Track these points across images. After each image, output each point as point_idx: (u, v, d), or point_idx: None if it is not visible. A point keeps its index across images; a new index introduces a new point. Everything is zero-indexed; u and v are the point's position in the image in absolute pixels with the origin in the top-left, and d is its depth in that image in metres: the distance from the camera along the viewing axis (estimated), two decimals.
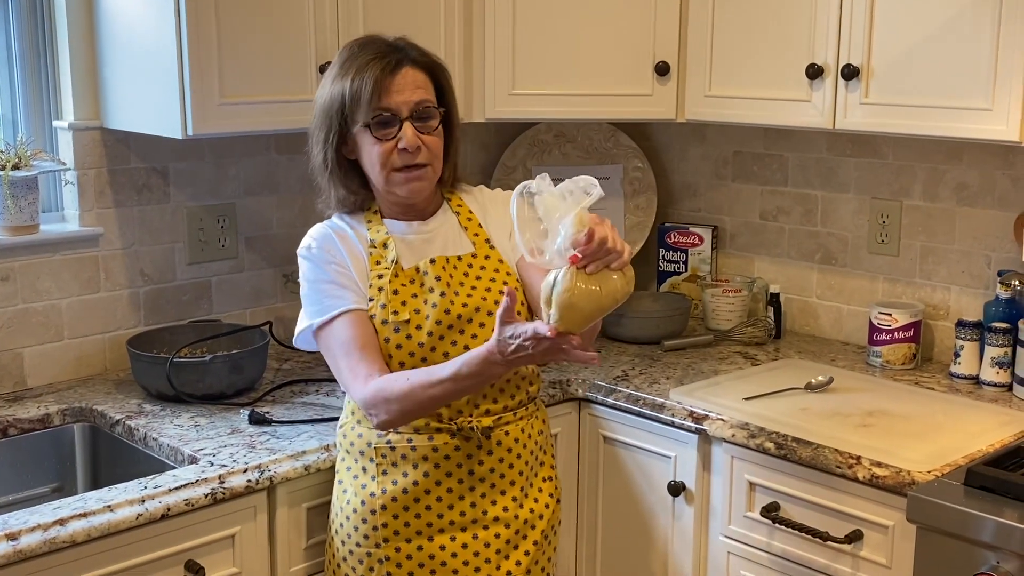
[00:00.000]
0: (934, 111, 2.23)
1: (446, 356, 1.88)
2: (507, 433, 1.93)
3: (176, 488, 1.91)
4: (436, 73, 1.94)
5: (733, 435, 2.22)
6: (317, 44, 2.38)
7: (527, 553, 1.96)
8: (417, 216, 1.99)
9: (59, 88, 2.52)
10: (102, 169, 2.52)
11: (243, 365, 2.38)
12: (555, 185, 1.69)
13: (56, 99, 2.53)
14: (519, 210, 1.68)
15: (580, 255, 1.62)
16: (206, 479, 1.95)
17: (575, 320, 1.68)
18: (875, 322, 2.62)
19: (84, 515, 1.80)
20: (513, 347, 1.68)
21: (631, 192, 3.11)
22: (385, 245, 1.94)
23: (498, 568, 1.93)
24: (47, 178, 2.53)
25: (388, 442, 1.90)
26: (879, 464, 2.02)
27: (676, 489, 2.34)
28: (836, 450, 2.08)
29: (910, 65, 2.26)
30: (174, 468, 2.06)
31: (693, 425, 2.29)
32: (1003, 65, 2.13)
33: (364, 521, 1.91)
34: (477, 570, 1.92)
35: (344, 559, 1.94)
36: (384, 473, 1.91)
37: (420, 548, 1.90)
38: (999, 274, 2.51)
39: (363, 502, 1.91)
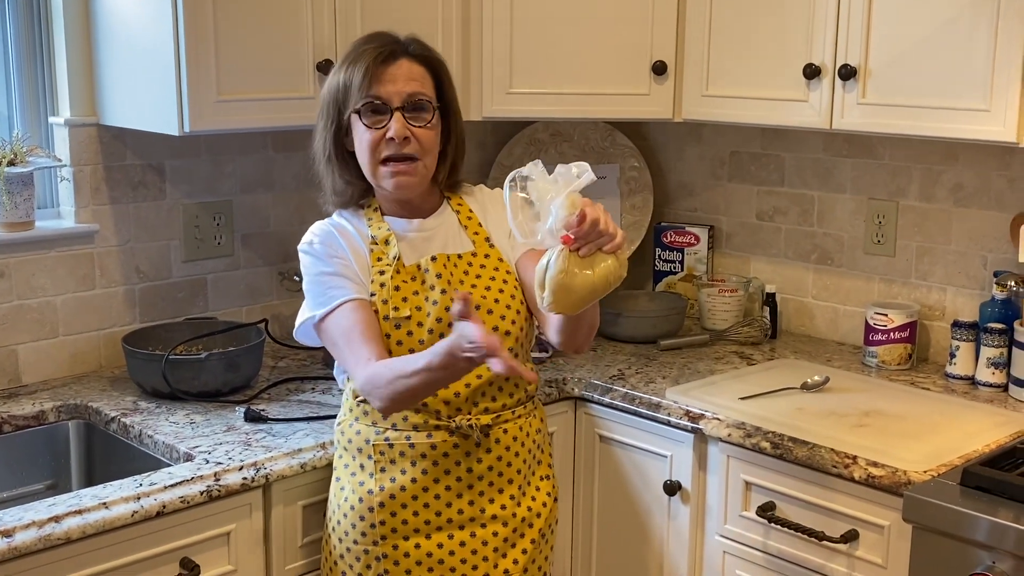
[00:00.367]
0: (931, 112, 2.24)
1: None
2: (505, 431, 1.93)
3: (171, 485, 1.91)
4: (436, 68, 1.93)
5: (729, 434, 2.22)
6: (314, 42, 2.38)
7: (524, 551, 1.96)
8: (416, 214, 1.99)
9: (55, 84, 2.51)
10: (98, 166, 2.52)
11: (239, 363, 2.38)
12: (547, 170, 1.69)
13: (52, 95, 2.52)
14: (512, 196, 1.68)
15: (572, 236, 1.63)
16: (201, 476, 1.95)
17: (568, 302, 1.69)
18: (871, 322, 2.62)
19: (79, 512, 1.80)
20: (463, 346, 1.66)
21: (627, 191, 3.11)
22: (387, 242, 1.94)
23: (495, 566, 1.93)
24: (43, 174, 2.52)
25: (386, 439, 1.90)
26: (875, 464, 2.02)
27: (672, 488, 2.34)
28: (832, 450, 2.08)
29: (907, 65, 2.26)
30: (169, 466, 2.05)
31: (689, 424, 2.29)
32: (1000, 66, 2.13)
33: (361, 518, 1.91)
34: (475, 568, 1.92)
35: (341, 556, 1.94)
36: (382, 470, 1.90)
37: (418, 546, 1.90)
38: (995, 275, 2.51)
39: (361, 499, 1.91)
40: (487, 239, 2.00)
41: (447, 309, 1.88)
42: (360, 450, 1.93)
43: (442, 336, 1.87)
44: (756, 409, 2.29)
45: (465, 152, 2.02)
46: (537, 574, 2.00)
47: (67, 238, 2.48)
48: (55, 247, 2.47)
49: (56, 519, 1.77)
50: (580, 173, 1.66)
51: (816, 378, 2.43)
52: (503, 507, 1.93)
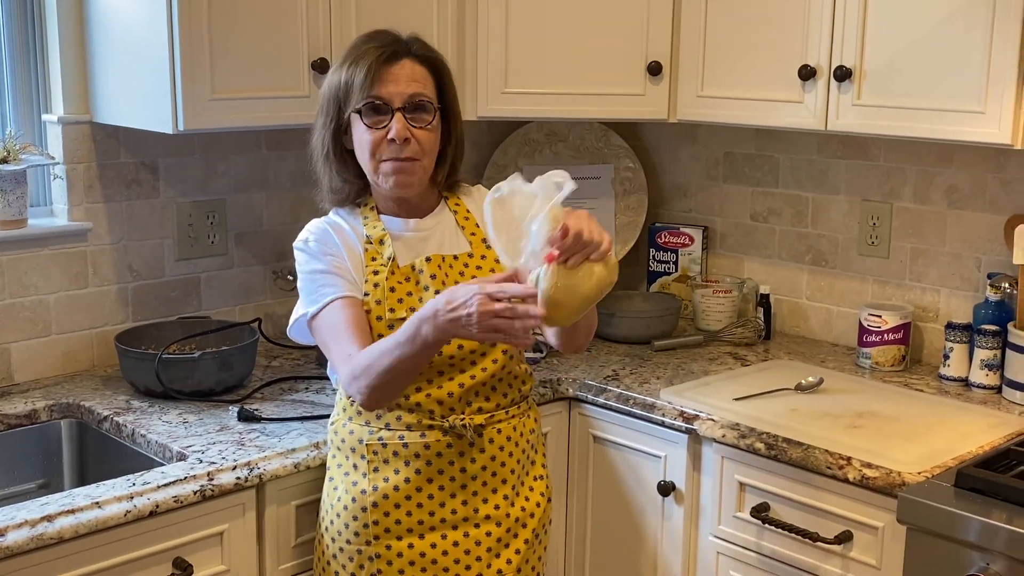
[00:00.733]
0: (926, 113, 2.24)
1: (440, 355, 1.87)
2: (499, 431, 1.93)
3: (164, 485, 1.90)
4: (438, 70, 1.93)
5: (723, 435, 2.22)
6: (309, 40, 2.37)
7: (518, 551, 1.96)
8: (413, 213, 1.98)
9: (48, 82, 2.50)
10: (91, 164, 2.51)
11: (232, 362, 2.37)
12: (527, 183, 1.66)
13: (45, 93, 2.52)
14: (494, 214, 1.66)
15: (557, 251, 1.61)
16: (195, 476, 1.94)
17: (561, 315, 1.67)
18: (865, 324, 2.62)
19: (72, 512, 1.79)
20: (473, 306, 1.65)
21: (622, 192, 3.11)
22: (382, 242, 1.93)
23: (488, 566, 1.93)
24: (36, 172, 2.51)
25: (380, 439, 1.90)
26: (869, 465, 2.02)
27: (666, 489, 2.34)
28: (826, 451, 2.08)
29: (903, 67, 2.26)
30: (162, 465, 2.04)
31: (683, 425, 2.29)
32: (995, 68, 2.13)
33: (354, 518, 1.90)
34: (468, 568, 1.91)
35: (334, 556, 1.94)
36: (375, 470, 1.90)
37: (411, 546, 1.89)
38: (989, 277, 2.52)
39: (354, 499, 1.90)
40: (484, 240, 1.99)
41: None
42: (353, 449, 1.92)
43: None
44: (750, 410, 2.28)
45: (464, 153, 2.02)
46: (531, 574, 2.00)
47: (60, 236, 2.47)
48: (48, 245, 2.46)
49: (48, 518, 1.76)
50: (560, 183, 1.63)
51: (810, 379, 2.43)
52: (496, 507, 1.93)
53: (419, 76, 1.89)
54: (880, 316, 2.59)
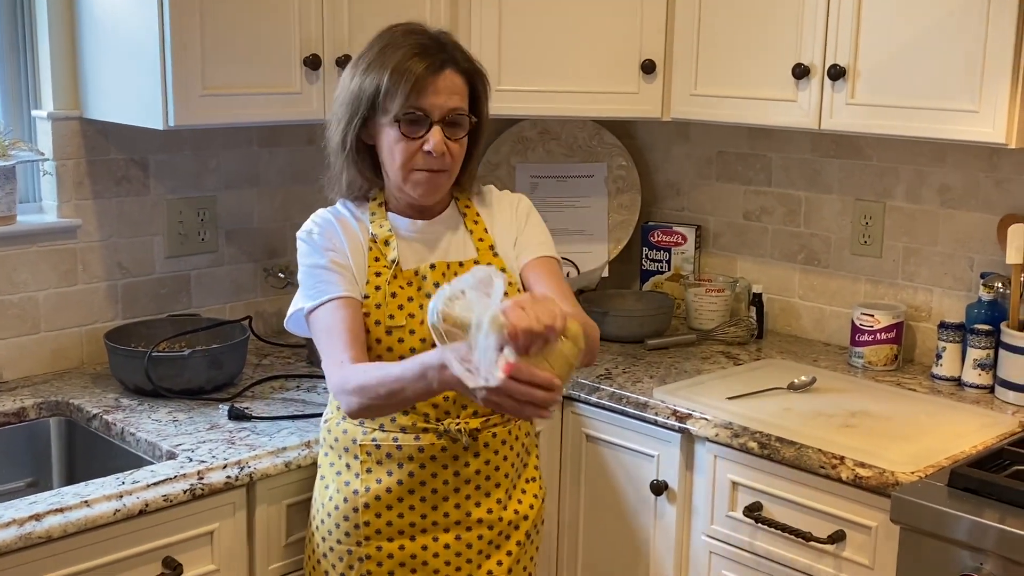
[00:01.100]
0: (921, 112, 2.23)
1: None
2: (494, 435, 1.91)
3: (154, 484, 1.89)
4: (475, 80, 1.89)
5: (716, 434, 2.21)
6: (302, 36, 2.36)
7: (509, 553, 1.94)
8: (424, 214, 1.94)
9: (38, 77, 2.49)
10: (81, 160, 2.49)
11: (222, 360, 2.36)
12: (455, 293, 1.57)
13: (35, 88, 2.50)
14: (438, 338, 1.58)
15: (513, 359, 1.51)
16: (185, 475, 1.93)
17: None
18: (857, 323, 2.62)
19: (60, 510, 1.78)
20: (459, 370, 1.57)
21: (615, 191, 3.10)
22: (387, 243, 1.90)
23: (479, 567, 1.92)
24: (25, 168, 2.49)
25: (374, 440, 1.88)
26: (862, 464, 2.02)
27: (659, 488, 2.33)
28: (820, 450, 2.07)
29: (897, 66, 2.26)
30: (152, 464, 2.03)
31: (676, 424, 2.28)
32: (990, 67, 2.12)
33: (346, 518, 1.89)
34: (458, 570, 1.90)
35: (324, 555, 1.92)
36: (368, 471, 1.88)
37: (402, 548, 1.88)
38: (982, 276, 2.52)
39: (346, 499, 1.89)
40: (491, 247, 1.97)
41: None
42: (347, 449, 1.91)
43: (433, 345, 1.84)
44: (743, 409, 2.28)
45: (482, 156, 1.99)
46: (522, 574, 1.99)
47: (49, 233, 2.45)
48: (37, 242, 2.44)
49: (37, 517, 1.75)
50: (488, 286, 1.54)
51: (803, 378, 2.42)
52: (489, 511, 1.91)
53: (458, 88, 1.85)
54: (873, 315, 2.59)
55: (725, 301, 2.91)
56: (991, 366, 2.43)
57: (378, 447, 1.87)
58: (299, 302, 1.90)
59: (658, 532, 2.36)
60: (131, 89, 2.30)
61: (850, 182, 2.78)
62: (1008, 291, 2.43)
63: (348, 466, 1.90)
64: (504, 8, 2.61)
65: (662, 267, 3.09)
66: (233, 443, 2.07)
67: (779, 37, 2.43)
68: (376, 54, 1.85)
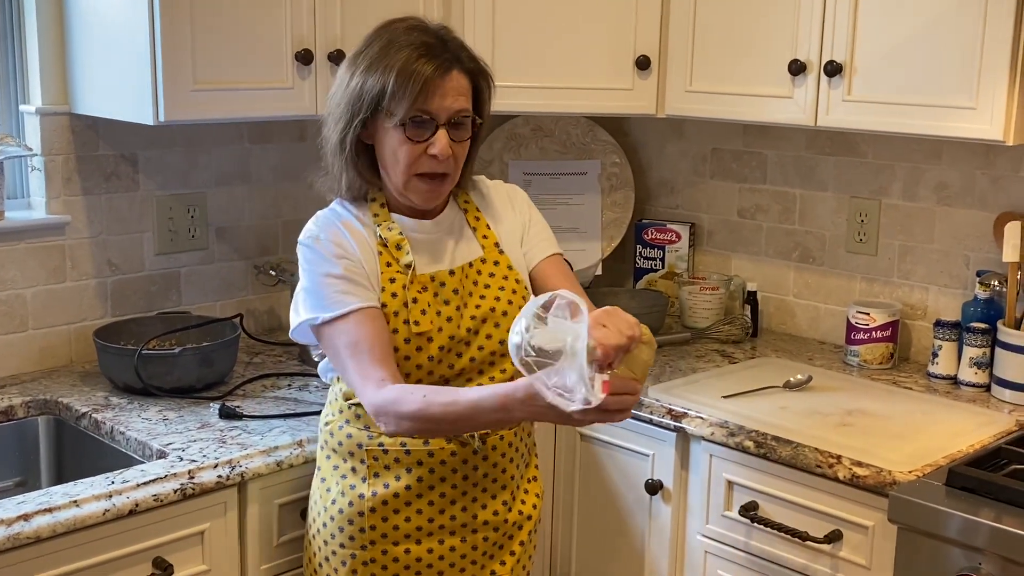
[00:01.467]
0: (918, 109, 2.22)
1: (451, 368, 1.82)
2: (502, 437, 1.88)
3: (144, 483, 1.86)
4: (479, 80, 1.85)
5: (712, 433, 2.20)
6: (293, 30, 2.33)
7: (512, 553, 1.93)
8: (425, 212, 1.89)
9: (26, 72, 2.46)
10: (70, 155, 2.46)
11: (213, 358, 2.33)
12: (539, 325, 1.55)
13: (23, 83, 2.47)
14: (526, 370, 1.54)
15: (608, 377, 1.53)
16: (175, 474, 1.90)
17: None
18: (853, 321, 2.61)
19: (49, 510, 1.75)
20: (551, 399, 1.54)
21: (608, 188, 3.08)
22: (399, 247, 1.84)
23: (483, 568, 1.90)
24: (13, 164, 2.46)
25: (380, 445, 1.83)
26: (860, 464, 2.00)
27: (653, 487, 2.32)
28: (816, 449, 2.06)
29: (894, 63, 2.24)
30: (142, 463, 2.01)
31: (672, 423, 2.27)
32: (987, 63, 2.11)
33: (351, 522, 1.85)
34: (463, 571, 1.88)
35: (327, 559, 1.89)
36: (375, 475, 1.84)
37: (407, 551, 1.85)
38: (978, 274, 2.50)
39: (351, 503, 1.85)
40: (496, 244, 1.93)
41: (458, 325, 1.83)
42: (352, 453, 1.86)
43: (450, 351, 1.82)
44: (739, 408, 2.26)
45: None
46: (522, 573, 1.97)
47: (38, 229, 2.43)
48: (25, 238, 2.41)
49: (25, 517, 1.72)
50: (568, 311, 1.54)
51: (799, 377, 2.41)
52: (495, 513, 1.89)
53: (463, 90, 1.80)
54: (868, 314, 2.58)
55: (720, 299, 2.89)
56: (987, 364, 2.41)
57: (385, 452, 1.83)
58: (308, 312, 1.80)
59: (653, 532, 2.35)
60: (121, 84, 2.27)
61: (845, 179, 2.76)
62: (1004, 289, 2.42)
63: (354, 470, 1.86)
64: (497, 4, 2.59)
65: (656, 265, 3.07)
66: (224, 442, 2.05)
67: (775, 33, 2.41)
68: (378, 52, 1.78)
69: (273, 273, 2.69)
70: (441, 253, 1.89)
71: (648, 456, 2.33)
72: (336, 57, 2.37)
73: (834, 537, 2.04)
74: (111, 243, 2.55)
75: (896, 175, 2.67)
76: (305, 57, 2.34)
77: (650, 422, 2.30)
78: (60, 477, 2.25)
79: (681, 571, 2.32)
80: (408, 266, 1.83)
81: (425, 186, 1.81)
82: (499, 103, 2.57)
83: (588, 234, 3.06)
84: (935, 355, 2.50)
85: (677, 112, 2.63)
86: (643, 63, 2.61)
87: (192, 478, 1.91)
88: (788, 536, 2.10)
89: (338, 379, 1.91)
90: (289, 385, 2.40)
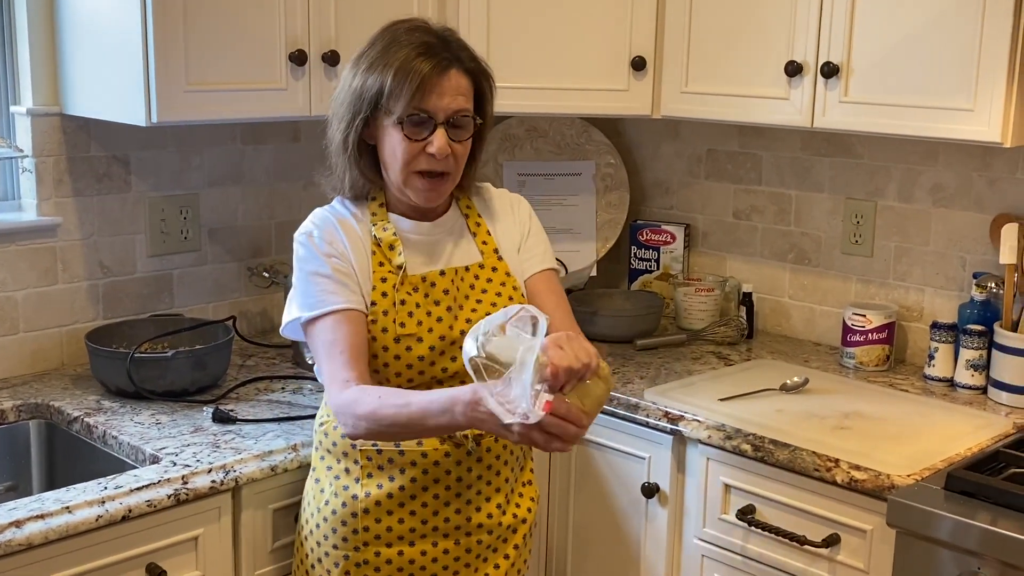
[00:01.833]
0: (915, 111, 2.21)
1: (444, 371, 1.82)
2: (496, 440, 1.87)
3: (137, 489, 1.84)
4: (480, 80, 1.84)
5: (709, 436, 2.18)
6: (287, 31, 2.31)
7: (507, 557, 1.91)
8: (425, 215, 1.89)
9: (17, 72, 2.43)
10: (61, 157, 2.44)
11: (206, 361, 2.31)
12: (495, 332, 1.56)
13: (14, 84, 2.44)
14: (475, 373, 1.55)
15: (552, 397, 1.52)
16: (168, 479, 1.89)
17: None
18: (849, 323, 2.60)
19: (41, 517, 1.73)
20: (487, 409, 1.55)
21: (603, 189, 3.07)
22: (392, 247, 1.84)
23: (476, 571, 1.89)
24: (3, 165, 2.44)
25: (374, 445, 1.82)
26: (858, 467, 1.99)
27: (650, 491, 2.31)
28: (814, 452, 2.05)
29: (891, 64, 2.24)
30: (135, 468, 1.99)
31: (668, 426, 2.25)
32: (985, 65, 2.10)
33: (344, 523, 1.84)
34: (456, 574, 1.87)
35: (319, 560, 1.88)
36: (369, 476, 1.83)
37: (401, 553, 1.84)
38: (975, 276, 2.50)
39: (344, 504, 1.84)
40: (495, 250, 1.92)
41: (449, 327, 1.82)
42: (346, 454, 1.85)
43: (442, 354, 1.82)
44: (736, 411, 2.25)
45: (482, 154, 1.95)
46: None
47: (28, 231, 2.40)
48: (16, 240, 2.39)
49: (17, 524, 1.71)
50: (529, 324, 1.54)
51: (795, 379, 2.40)
52: (489, 515, 1.88)
53: (464, 89, 1.80)
54: (865, 316, 2.57)
55: (715, 301, 2.88)
56: (984, 367, 2.41)
57: (379, 452, 1.83)
58: (296, 310, 1.83)
59: (649, 535, 2.33)
60: (113, 84, 2.25)
61: (841, 181, 2.75)
62: (1001, 291, 2.41)
63: (347, 470, 1.85)
64: (492, 3, 2.58)
65: (650, 266, 3.06)
66: (218, 446, 2.03)
67: (771, 34, 2.40)
68: (379, 52, 1.79)
69: (266, 275, 2.68)
70: (437, 255, 1.88)
71: (644, 459, 2.32)
72: (330, 58, 2.35)
73: (832, 541, 2.03)
74: (103, 245, 2.53)
75: (892, 176, 2.67)
76: (299, 58, 2.32)
77: (646, 425, 2.29)
78: (52, 482, 2.23)
79: (677, 575, 2.31)
80: (399, 267, 1.83)
81: (424, 184, 1.81)
82: (495, 103, 2.59)
83: (583, 235, 3.05)
84: (931, 357, 2.49)
85: (673, 113, 2.62)
86: (639, 64, 2.59)
87: (186, 483, 1.89)
88: (786, 540, 2.09)
89: None
90: (283, 388, 2.38)
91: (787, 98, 2.39)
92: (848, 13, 2.27)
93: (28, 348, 2.44)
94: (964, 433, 2.17)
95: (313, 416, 2.05)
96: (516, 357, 1.51)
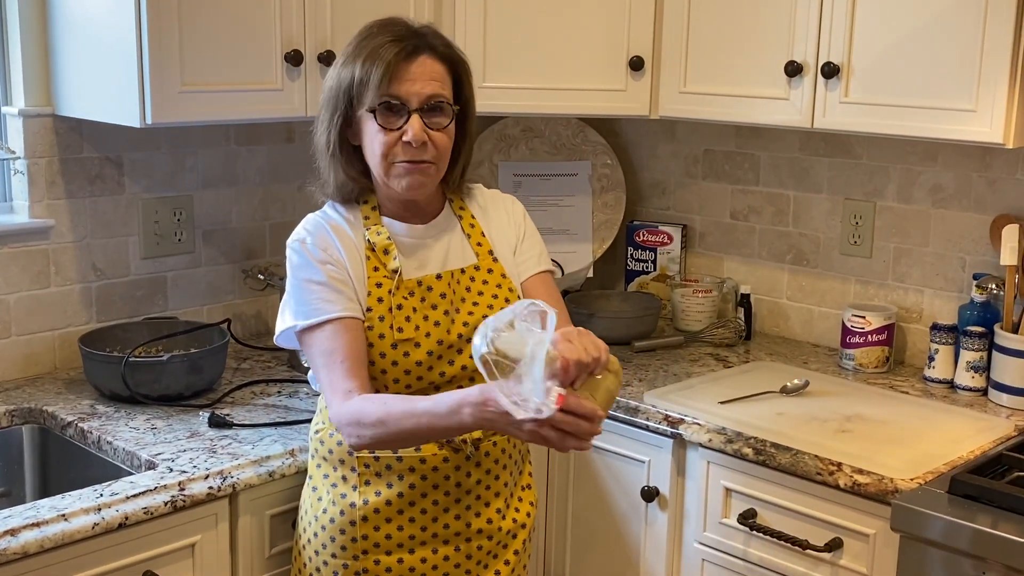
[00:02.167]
0: (916, 111, 2.20)
1: (442, 376, 1.80)
2: (495, 444, 1.85)
3: (134, 496, 1.82)
4: (457, 67, 1.82)
5: (710, 440, 2.17)
6: (283, 31, 2.29)
7: (507, 563, 1.89)
8: (417, 218, 1.87)
9: (8, 73, 2.40)
10: (53, 158, 2.41)
11: (202, 365, 2.29)
12: (504, 328, 1.55)
13: (6, 84, 2.41)
14: (486, 370, 1.54)
15: (563, 391, 1.51)
16: (165, 486, 1.86)
17: None
18: (848, 324, 2.58)
19: (37, 524, 1.71)
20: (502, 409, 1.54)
21: (599, 189, 3.05)
22: (386, 251, 1.82)
23: None
24: None
25: (372, 452, 1.80)
26: (861, 471, 1.98)
27: (649, 494, 2.29)
28: (816, 456, 2.03)
29: (892, 64, 2.22)
30: (131, 474, 1.96)
31: (669, 429, 2.24)
32: (987, 65, 2.09)
33: (342, 532, 1.82)
34: None
35: (318, 569, 1.85)
36: (366, 483, 1.81)
37: (400, 561, 1.81)
38: (975, 277, 2.49)
39: (342, 512, 1.81)
40: (491, 252, 1.90)
41: (447, 331, 1.81)
42: (342, 461, 1.83)
43: (440, 358, 1.80)
44: (736, 414, 2.24)
45: (474, 151, 1.93)
46: None
47: (21, 234, 2.37)
48: (8, 243, 2.36)
49: (12, 532, 1.68)
50: (538, 319, 1.53)
51: (796, 382, 2.38)
52: (489, 521, 1.86)
53: (437, 74, 1.78)
54: (864, 317, 2.56)
55: (712, 302, 2.86)
56: (984, 368, 2.40)
57: (377, 459, 1.80)
58: (290, 318, 1.80)
59: (649, 539, 2.32)
60: (106, 85, 2.22)
61: (840, 181, 2.74)
62: (1001, 292, 2.40)
63: (344, 478, 1.83)
64: (489, 3, 2.56)
65: (647, 267, 3.05)
66: (215, 452, 2.01)
67: (771, 34, 2.39)
68: (352, 47, 1.80)
69: (261, 277, 2.65)
70: (431, 258, 1.86)
71: (644, 462, 2.30)
72: (326, 58, 2.33)
73: (835, 545, 2.02)
74: (96, 247, 2.50)
75: (891, 177, 2.65)
76: (295, 58, 2.30)
77: (646, 428, 2.28)
78: (45, 488, 2.21)
79: None
80: (395, 271, 1.81)
81: (405, 173, 1.78)
82: (492, 104, 2.58)
83: (579, 236, 3.03)
84: (931, 359, 2.48)
85: (671, 114, 2.60)
86: (636, 64, 2.58)
87: (183, 490, 1.87)
88: (788, 544, 2.07)
89: None
90: (279, 392, 2.36)
91: (787, 98, 2.38)
92: (849, 13, 2.26)
93: (20, 352, 2.41)
94: (966, 436, 2.16)
95: (309, 420, 2.02)
96: (526, 352, 1.50)
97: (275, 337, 1.86)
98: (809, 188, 2.80)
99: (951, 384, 2.45)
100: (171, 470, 1.92)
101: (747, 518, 2.13)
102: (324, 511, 1.84)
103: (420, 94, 1.76)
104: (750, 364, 2.62)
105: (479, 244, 1.91)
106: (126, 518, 1.79)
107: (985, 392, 2.40)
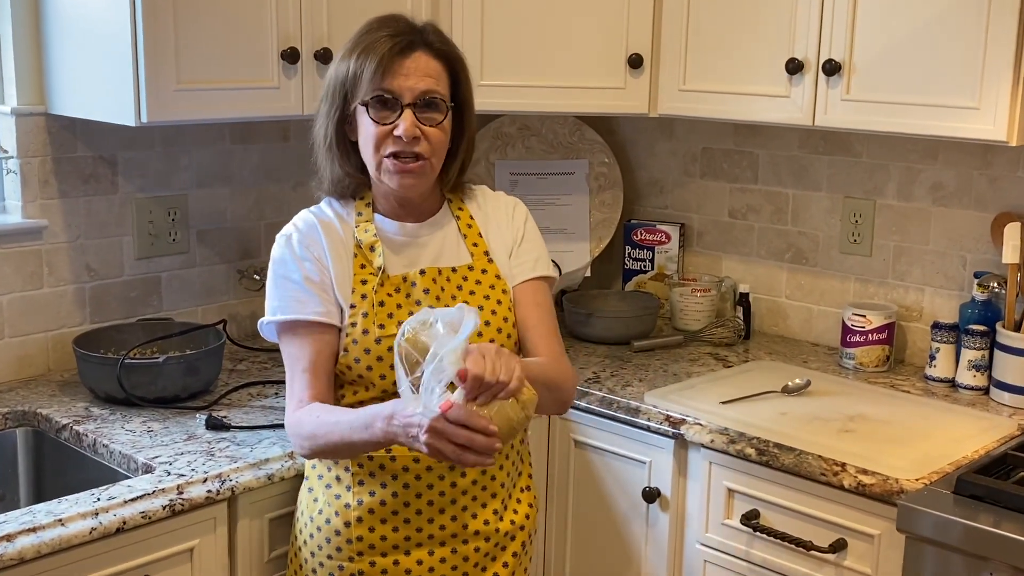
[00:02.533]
0: (919, 109, 2.18)
1: None
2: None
3: (132, 500, 1.79)
4: (454, 64, 1.81)
5: (712, 440, 2.15)
6: (279, 29, 2.26)
7: (506, 565, 1.87)
8: (412, 216, 1.87)
9: (0, 71, 2.37)
10: (46, 157, 2.38)
11: (198, 367, 2.26)
12: (423, 316, 1.57)
13: None
14: (398, 358, 1.55)
15: (452, 401, 1.51)
16: (163, 490, 1.84)
17: None
18: (848, 323, 2.57)
19: (33, 530, 1.68)
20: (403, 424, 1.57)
21: (597, 188, 3.03)
22: (372, 248, 1.82)
23: None
24: None
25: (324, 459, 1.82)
26: (865, 471, 1.96)
27: (651, 495, 2.27)
28: (820, 457, 2.02)
29: (894, 61, 2.21)
30: (127, 477, 1.94)
31: (670, 430, 2.22)
32: (990, 62, 2.08)
33: (337, 533, 1.80)
34: None
35: (314, 571, 1.83)
36: (361, 484, 1.79)
37: (396, 563, 1.80)
38: (976, 275, 2.47)
39: (336, 512, 1.80)
40: (486, 252, 1.89)
41: None
42: (336, 461, 1.82)
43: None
44: (738, 414, 2.22)
45: (474, 151, 1.91)
46: None
47: (13, 234, 2.34)
48: (1, 243, 2.33)
49: (8, 538, 1.65)
50: (459, 323, 1.53)
51: (798, 381, 2.37)
52: (486, 522, 1.84)
53: (432, 71, 1.77)
54: (864, 316, 2.54)
55: (711, 301, 2.85)
56: (986, 367, 2.39)
57: (371, 459, 1.79)
58: (267, 312, 1.85)
59: (650, 540, 2.30)
60: (100, 83, 2.19)
61: (839, 179, 2.73)
62: (1003, 290, 2.39)
63: (338, 478, 1.81)
64: (486, 1, 2.53)
65: (645, 266, 3.03)
66: (212, 455, 1.98)
67: (772, 31, 2.37)
68: (351, 42, 1.80)
69: (256, 277, 2.63)
70: (422, 256, 1.86)
71: (645, 463, 2.29)
72: (322, 55, 2.31)
73: (839, 546, 2.01)
74: (89, 247, 2.47)
75: (891, 175, 2.64)
76: (291, 56, 2.27)
77: (647, 428, 2.26)
78: (40, 492, 2.18)
79: None
80: (379, 268, 1.81)
81: (396, 166, 1.77)
82: (490, 102, 2.56)
83: (576, 235, 3.01)
84: (933, 358, 2.47)
85: (670, 112, 2.58)
86: (635, 61, 2.56)
87: (181, 493, 1.84)
88: (791, 545, 2.06)
89: None
90: (276, 393, 2.34)
91: (788, 96, 2.36)
92: (850, 10, 2.24)
93: (14, 354, 2.38)
94: (969, 435, 2.14)
95: None
96: (433, 352, 1.51)
97: (259, 325, 1.89)
98: (808, 186, 2.78)
99: (952, 383, 2.44)
100: (169, 473, 1.90)
101: (750, 519, 2.12)
102: (320, 512, 1.82)
103: (414, 89, 1.75)
104: (750, 363, 2.60)
105: (475, 244, 1.89)
106: (124, 523, 1.76)
107: (987, 391, 2.39)
